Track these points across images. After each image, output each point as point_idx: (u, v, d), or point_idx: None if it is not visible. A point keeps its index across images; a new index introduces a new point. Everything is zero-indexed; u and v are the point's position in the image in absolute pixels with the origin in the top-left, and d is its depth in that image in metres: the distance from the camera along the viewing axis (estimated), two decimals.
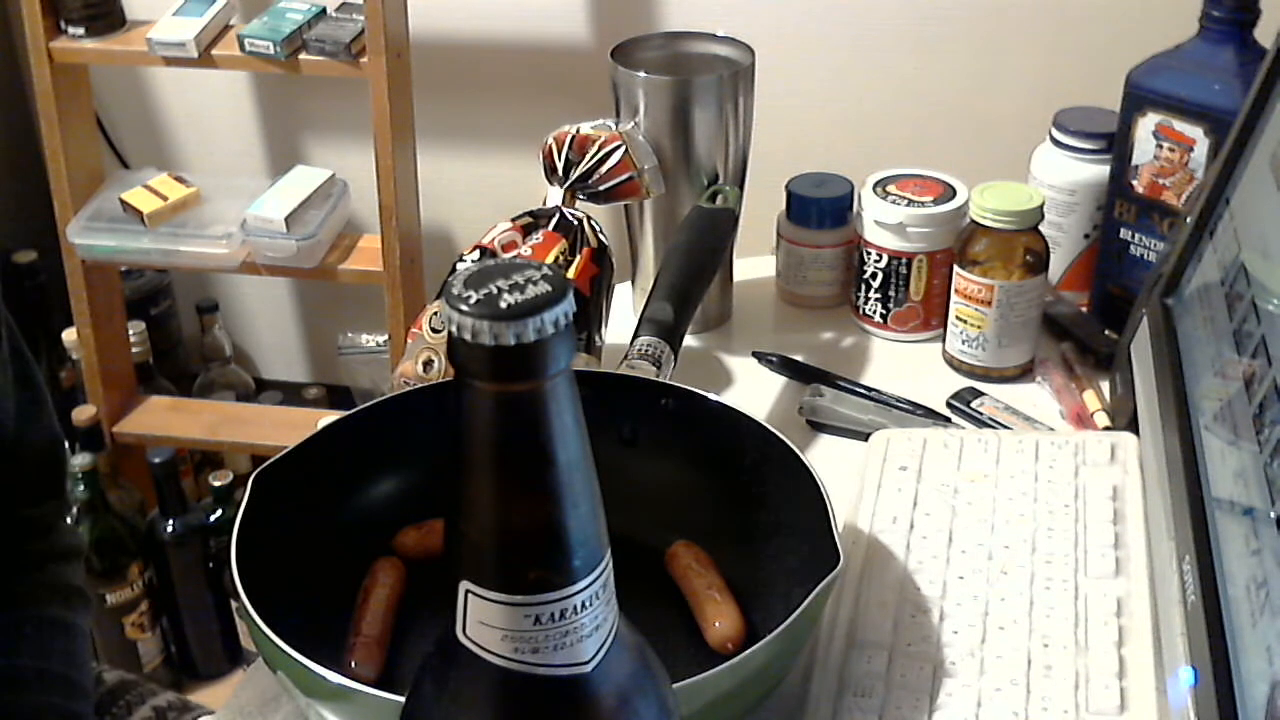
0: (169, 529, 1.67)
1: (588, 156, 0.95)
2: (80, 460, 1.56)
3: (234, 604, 1.74)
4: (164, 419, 1.87)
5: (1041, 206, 0.92)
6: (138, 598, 1.69)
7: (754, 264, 1.11)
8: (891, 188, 0.99)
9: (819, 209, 1.03)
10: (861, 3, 1.75)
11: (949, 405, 0.93)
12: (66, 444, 0.91)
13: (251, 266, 1.69)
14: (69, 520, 0.93)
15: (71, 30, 1.63)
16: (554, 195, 0.97)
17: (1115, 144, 0.95)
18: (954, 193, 0.98)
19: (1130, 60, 0.93)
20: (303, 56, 1.60)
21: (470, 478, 0.36)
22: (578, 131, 0.95)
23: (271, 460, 0.70)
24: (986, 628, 0.68)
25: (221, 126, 2.03)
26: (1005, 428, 0.89)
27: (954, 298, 0.95)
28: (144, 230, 1.67)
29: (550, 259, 0.89)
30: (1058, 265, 1.02)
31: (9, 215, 2.02)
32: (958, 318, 0.95)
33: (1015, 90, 1.75)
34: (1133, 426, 0.81)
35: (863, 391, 0.94)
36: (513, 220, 0.94)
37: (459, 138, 1.94)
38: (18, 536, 0.87)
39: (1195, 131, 0.89)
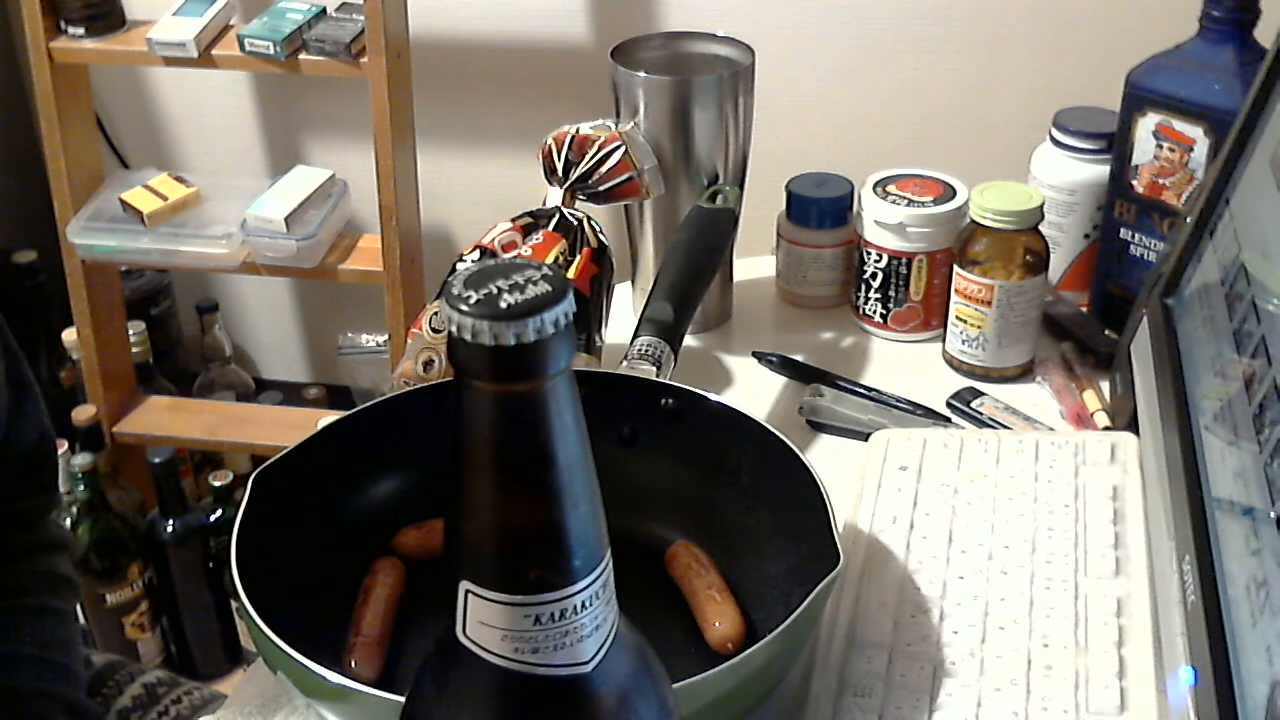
0: (169, 529, 1.67)
1: (587, 157, 0.95)
2: (80, 460, 1.56)
3: (234, 604, 1.74)
4: (164, 419, 1.87)
5: (1041, 206, 0.92)
6: (138, 598, 1.69)
7: (754, 264, 1.11)
8: (891, 188, 0.99)
9: (819, 209, 1.03)
10: (861, 3, 1.75)
11: (949, 405, 0.93)
12: (56, 438, 0.92)
13: (251, 266, 1.69)
14: (59, 514, 0.94)
15: (71, 30, 1.63)
16: (554, 195, 0.97)
17: (1115, 144, 0.95)
18: (954, 193, 0.98)
19: (1130, 60, 0.93)
20: (303, 56, 1.60)
21: (470, 478, 0.36)
22: (577, 132, 0.95)
23: (271, 460, 0.70)
24: (986, 628, 0.68)
25: (221, 126, 2.03)
26: (1005, 428, 0.89)
27: (954, 298, 0.95)
28: (144, 230, 1.67)
29: (550, 259, 0.89)
30: (1058, 265, 1.02)
31: (9, 215, 2.02)
32: (958, 318, 0.95)
33: (1015, 90, 1.75)
34: (1133, 426, 0.81)
35: (863, 391, 0.94)
36: (513, 220, 0.94)
37: (459, 138, 1.94)
38: (7, 529, 0.87)
39: (1195, 131, 0.89)
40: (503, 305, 0.33)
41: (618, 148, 0.94)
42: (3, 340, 0.84)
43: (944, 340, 0.98)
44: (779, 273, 1.08)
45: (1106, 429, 0.87)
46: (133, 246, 1.68)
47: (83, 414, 1.69)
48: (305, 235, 1.65)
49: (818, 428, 0.92)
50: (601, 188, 0.96)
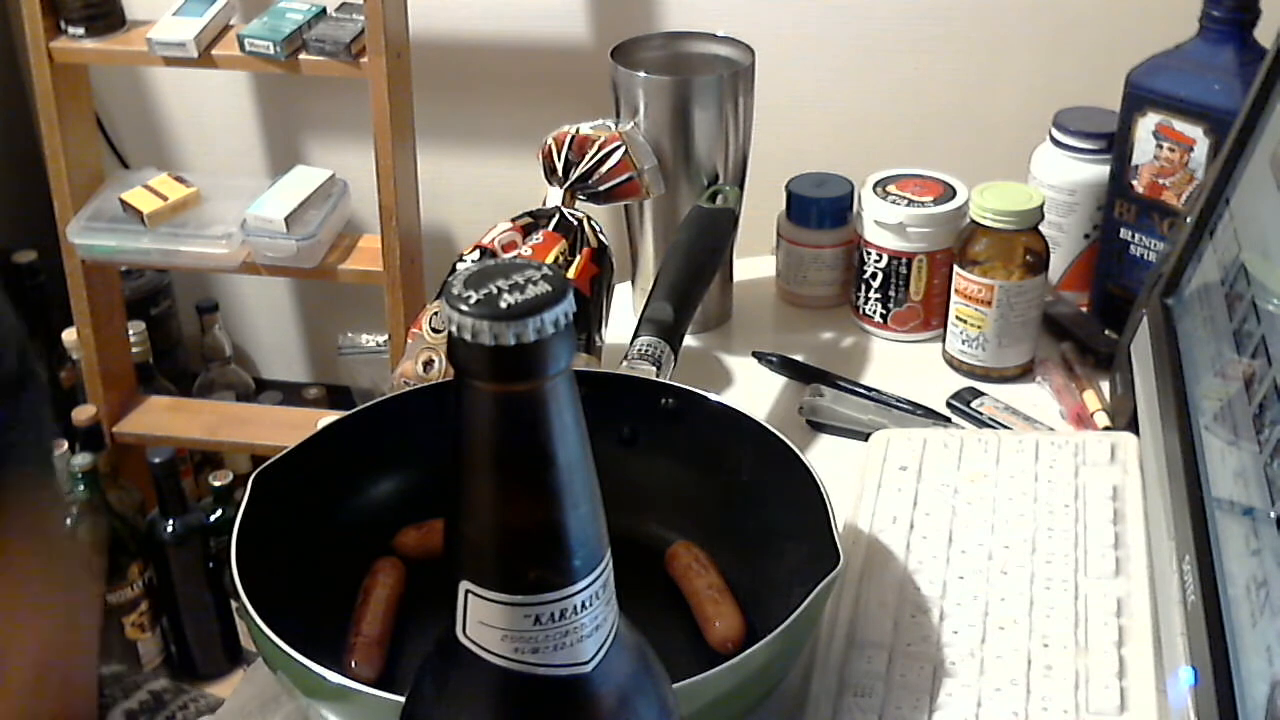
0: (169, 529, 1.67)
1: (587, 157, 0.95)
2: (80, 460, 1.56)
3: (234, 604, 1.74)
4: (164, 419, 1.87)
5: (1041, 206, 0.92)
6: (138, 598, 1.69)
7: (754, 264, 1.11)
8: (891, 188, 0.99)
9: (819, 209, 1.03)
10: (861, 3, 1.75)
11: (949, 405, 0.93)
12: (57, 434, 0.91)
13: (251, 266, 1.69)
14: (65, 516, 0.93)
15: (71, 30, 1.63)
16: (554, 195, 0.97)
17: (1115, 144, 0.95)
18: (954, 193, 0.98)
19: (1130, 60, 0.93)
20: (303, 56, 1.60)
21: (470, 478, 0.36)
22: (577, 132, 0.95)
23: (271, 460, 0.70)
24: (986, 628, 0.68)
25: (221, 126, 2.03)
26: (1005, 428, 0.89)
27: (954, 298, 0.95)
28: (144, 230, 1.67)
29: (550, 259, 0.89)
30: (1058, 265, 1.02)
31: (9, 215, 2.02)
32: (958, 318, 0.95)
33: (1015, 90, 1.75)
34: (1133, 426, 0.81)
35: (863, 391, 0.94)
36: (513, 220, 0.94)
37: (459, 138, 1.94)
38: None
39: (1195, 131, 0.89)
40: (503, 305, 0.33)
41: (618, 148, 0.94)
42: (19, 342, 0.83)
43: (944, 340, 0.98)
44: (779, 273, 1.08)
45: (1106, 429, 0.87)
46: (133, 246, 1.68)
47: (83, 414, 1.69)
48: (305, 235, 1.65)
49: (818, 428, 0.92)
50: (601, 188, 0.96)
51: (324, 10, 1.63)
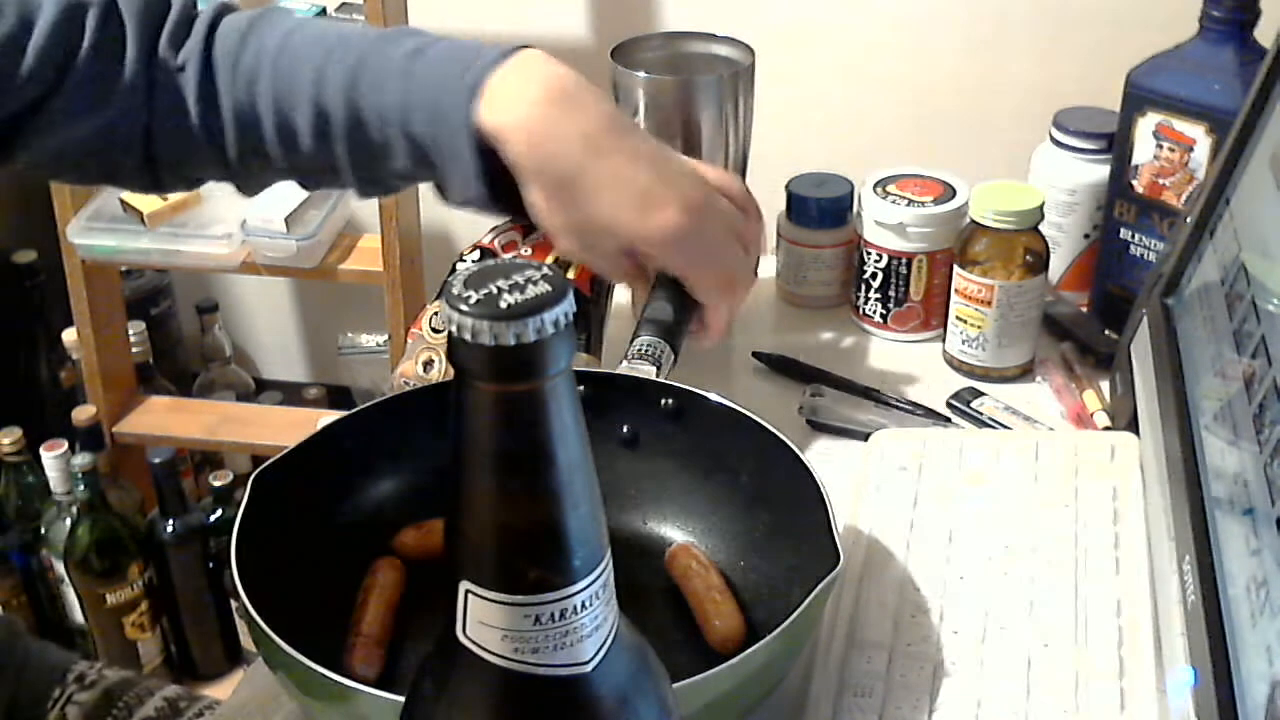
0: (169, 529, 1.67)
1: None
2: (80, 460, 1.56)
3: (234, 604, 1.74)
4: (164, 419, 1.87)
5: (1041, 206, 0.92)
6: (138, 598, 1.69)
7: None
8: (891, 188, 0.99)
9: (819, 209, 1.03)
10: (861, 3, 1.75)
11: (949, 405, 0.93)
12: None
13: (251, 266, 1.69)
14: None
15: None
16: None
17: (1115, 144, 0.95)
18: (954, 193, 0.98)
19: (1130, 60, 0.93)
20: None
21: (470, 478, 0.36)
22: None
23: (271, 460, 0.70)
24: (986, 628, 0.68)
25: None
26: (1005, 428, 0.89)
27: (954, 298, 0.95)
28: (144, 230, 1.67)
29: (550, 259, 0.89)
30: (1058, 265, 1.02)
31: (9, 215, 2.02)
32: (958, 318, 0.95)
33: (1015, 90, 1.75)
34: (1133, 426, 0.81)
35: (863, 391, 0.94)
36: (513, 220, 0.94)
37: None
38: None
39: (1195, 131, 0.89)
40: (503, 305, 0.33)
41: None
42: None
43: (944, 340, 0.98)
44: (779, 273, 1.08)
45: (1106, 429, 0.87)
46: (133, 246, 1.68)
47: (83, 414, 1.69)
48: (305, 235, 1.65)
49: (818, 428, 0.92)
50: None
51: (324, 10, 1.63)
